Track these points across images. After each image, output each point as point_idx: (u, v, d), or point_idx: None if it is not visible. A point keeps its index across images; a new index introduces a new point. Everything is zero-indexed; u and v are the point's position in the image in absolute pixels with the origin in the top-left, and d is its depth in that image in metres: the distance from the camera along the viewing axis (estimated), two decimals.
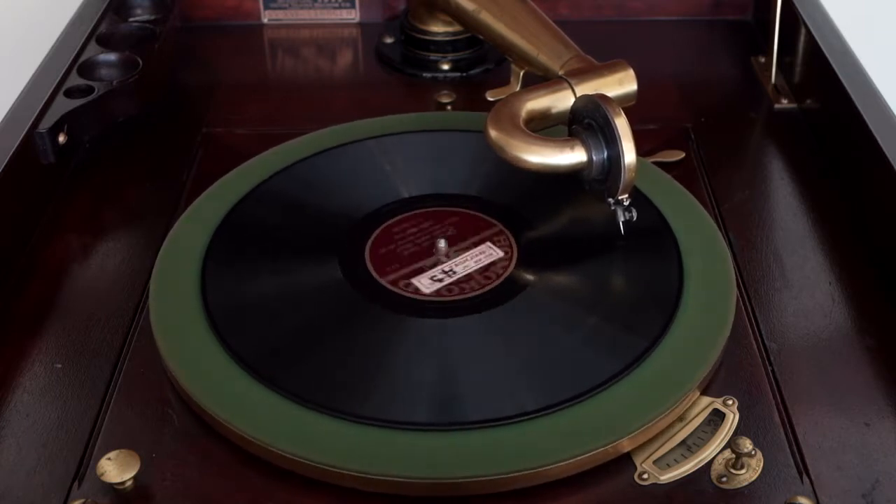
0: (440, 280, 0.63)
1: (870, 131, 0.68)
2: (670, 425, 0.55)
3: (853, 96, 0.72)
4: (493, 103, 0.66)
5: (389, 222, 0.67)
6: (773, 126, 0.81)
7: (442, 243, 0.65)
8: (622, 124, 0.61)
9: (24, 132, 0.69)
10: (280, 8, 0.95)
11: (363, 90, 0.86)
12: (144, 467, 0.52)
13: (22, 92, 0.75)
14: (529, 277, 0.63)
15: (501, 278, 0.63)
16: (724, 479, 0.53)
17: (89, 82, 0.76)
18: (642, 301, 0.61)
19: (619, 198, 0.63)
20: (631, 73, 0.68)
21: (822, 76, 0.77)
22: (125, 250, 0.69)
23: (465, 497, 0.52)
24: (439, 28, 0.87)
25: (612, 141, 0.61)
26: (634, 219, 0.63)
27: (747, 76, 0.87)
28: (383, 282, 0.63)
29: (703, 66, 0.90)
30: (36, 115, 0.71)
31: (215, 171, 0.72)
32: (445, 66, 0.87)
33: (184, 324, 0.60)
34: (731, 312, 0.60)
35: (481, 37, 0.79)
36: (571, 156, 0.63)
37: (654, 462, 0.54)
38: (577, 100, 0.66)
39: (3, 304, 0.64)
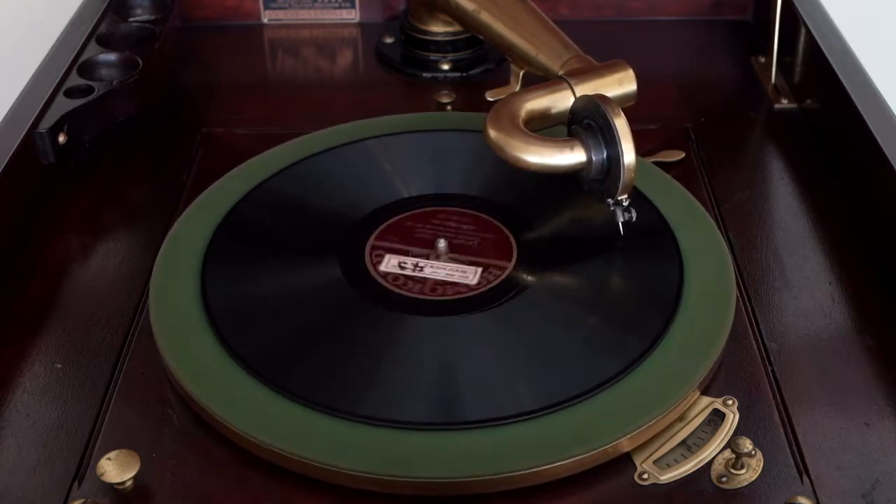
0: (402, 268, 0.63)
1: (870, 131, 0.68)
2: (670, 425, 0.55)
3: (853, 96, 0.72)
4: (492, 103, 0.66)
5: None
6: (773, 126, 0.81)
7: (442, 243, 0.65)
8: (622, 125, 0.61)
9: (24, 132, 0.69)
10: (280, 8, 0.95)
11: (363, 90, 0.86)
12: (144, 467, 0.52)
13: (22, 92, 0.75)
14: (530, 277, 0.63)
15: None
16: (724, 479, 0.53)
17: (89, 82, 0.76)
18: (642, 301, 0.61)
19: (619, 198, 0.63)
20: (630, 73, 0.68)
21: (822, 76, 0.77)
22: (125, 250, 0.69)
23: (464, 497, 0.52)
24: (439, 28, 0.87)
25: (611, 141, 0.61)
26: (634, 219, 0.63)
27: (747, 76, 0.87)
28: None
29: (703, 66, 0.90)
30: (36, 115, 0.71)
31: (215, 171, 0.72)
32: (445, 66, 0.87)
33: (184, 324, 0.60)
34: (731, 312, 0.60)
35: (481, 37, 0.79)
36: (571, 156, 0.63)
37: (654, 462, 0.54)
38: (577, 100, 0.66)
39: (3, 304, 0.64)
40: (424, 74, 0.87)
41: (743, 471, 0.53)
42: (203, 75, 0.89)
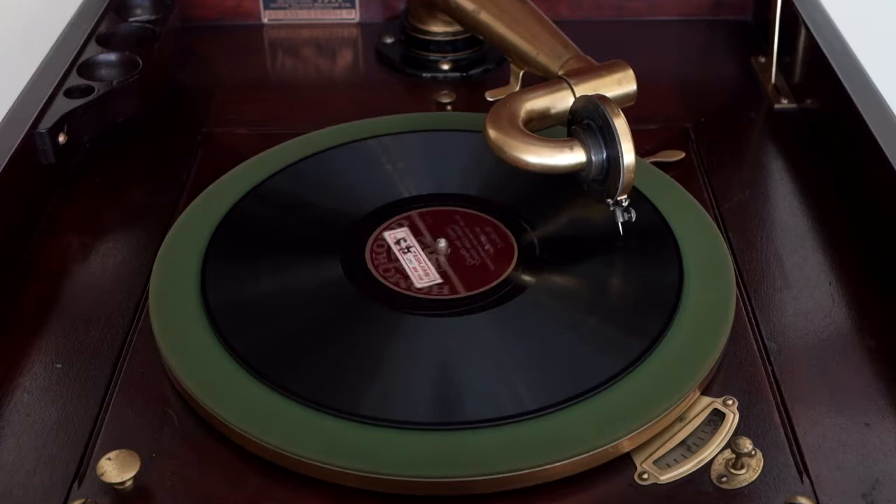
0: (405, 251, 0.63)
1: (870, 131, 0.68)
2: (670, 425, 0.55)
3: (853, 96, 0.72)
4: (492, 103, 0.67)
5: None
6: (773, 126, 0.81)
7: (442, 243, 0.65)
8: (621, 125, 0.61)
9: (24, 132, 0.69)
10: (280, 8, 0.95)
11: (363, 90, 0.86)
12: (144, 467, 0.52)
13: (22, 92, 0.75)
14: (530, 277, 0.63)
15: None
16: (724, 479, 0.53)
17: (89, 82, 0.76)
18: (642, 301, 0.61)
19: (618, 198, 0.63)
20: (630, 73, 0.68)
21: (822, 76, 0.77)
22: (125, 250, 0.69)
23: (464, 497, 0.52)
24: (439, 28, 0.87)
25: (611, 142, 0.61)
26: (633, 219, 0.63)
27: (747, 76, 0.87)
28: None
29: (703, 66, 0.90)
30: (36, 115, 0.71)
31: (215, 171, 0.72)
32: (445, 66, 0.87)
33: (184, 324, 0.60)
34: (731, 312, 0.60)
35: (481, 37, 0.79)
36: (570, 156, 0.63)
37: (654, 462, 0.54)
38: (577, 100, 0.66)
39: (3, 304, 0.64)
40: (424, 74, 0.87)
41: (743, 471, 0.53)
42: (203, 75, 0.89)
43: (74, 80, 0.76)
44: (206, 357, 0.58)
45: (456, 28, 0.85)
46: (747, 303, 0.64)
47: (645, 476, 0.53)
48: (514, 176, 0.66)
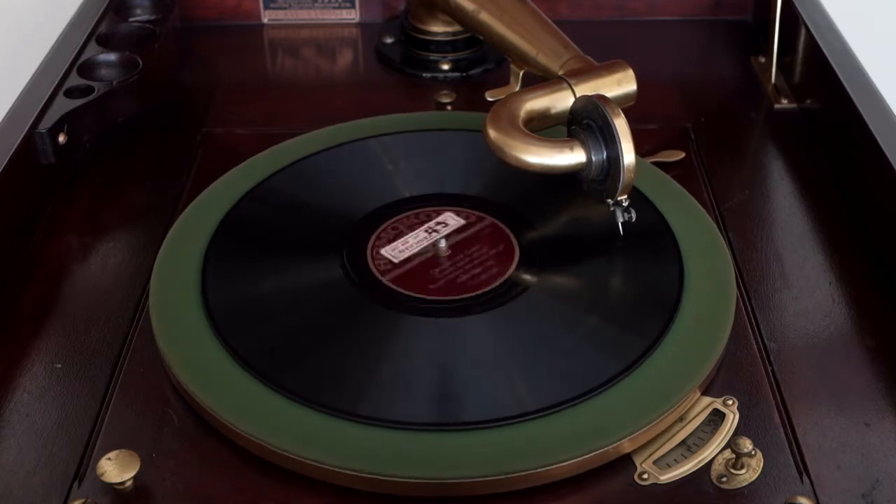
0: (437, 230, 0.63)
1: (870, 131, 0.68)
2: (670, 425, 0.55)
3: (853, 96, 0.72)
4: (492, 103, 0.66)
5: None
6: (773, 126, 0.81)
7: (442, 243, 0.65)
8: (621, 125, 0.61)
9: (24, 132, 0.69)
10: (280, 8, 0.95)
11: (363, 90, 0.86)
12: (144, 467, 0.52)
13: (22, 92, 0.75)
14: (530, 278, 0.63)
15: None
16: (724, 479, 0.53)
17: (89, 82, 0.76)
18: (642, 301, 0.61)
19: (618, 198, 0.63)
20: (630, 73, 0.68)
21: (822, 76, 0.77)
22: (125, 250, 0.69)
23: (465, 497, 0.52)
24: (439, 28, 0.87)
25: (611, 142, 0.61)
26: (633, 219, 0.63)
27: (747, 76, 0.87)
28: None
29: (703, 66, 0.90)
30: (36, 115, 0.71)
31: (215, 171, 0.72)
32: (445, 66, 0.87)
33: (184, 324, 0.60)
34: (731, 312, 0.60)
35: (481, 37, 0.79)
36: (570, 156, 0.63)
37: (654, 462, 0.54)
38: (577, 100, 0.66)
39: (3, 304, 0.64)
40: (424, 74, 0.87)
41: (743, 471, 0.53)
42: (203, 75, 0.89)
43: (74, 80, 0.76)
44: (206, 357, 0.58)
45: (456, 28, 0.85)
46: (747, 303, 0.64)
47: (645, 476, 0.53)
48: (514, 176, 0.66)
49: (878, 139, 0.67)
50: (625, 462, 0.54)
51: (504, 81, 0.77)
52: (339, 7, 0.95)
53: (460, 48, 0.87)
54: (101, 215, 0.72)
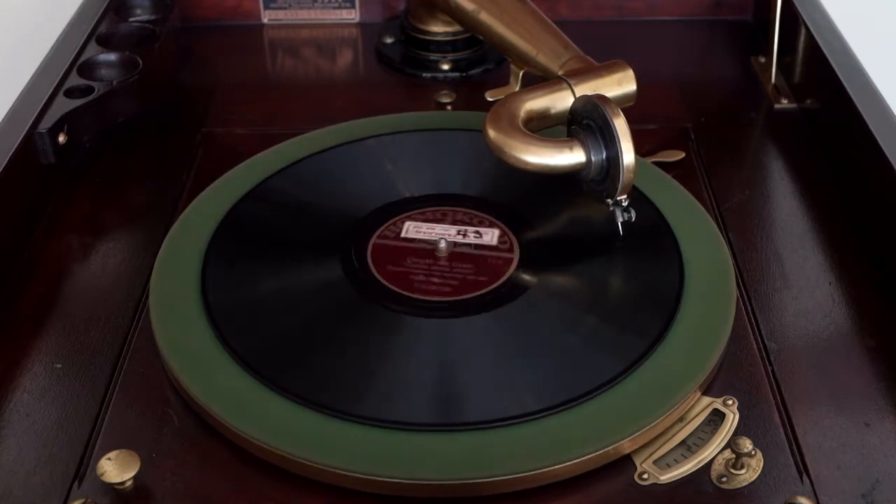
0: (475, 235, 0.64)
1: (870, 131, 0.68)
2: (670, 425, 0.55)
3: (853, 96, 0.72)
4: (492, 103, 0.66)
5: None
6: (773, 126, 0.81)
7: (443, 244, 0.65)
8: (621, 125, 0.61)
9: (24, 132, 0.69)
10: (280, 8, 0.95)
11: (363, 90, 0.86)
12: (144, 467, 0.52)
13: (22, 92, 0.75)
14: (530, 278, 0.63)
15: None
16: (724, 479, 0.53)
17: (89, 82, 0.76)
18: (643, 301, 0.61)
19: (618, 198, 0.63)
20: (630, 73, 0.68)
21: (822, 76, 0.77)
22: (125, 250, 0.69)
23: (465, 498, 0.52)
24: (439, 28, 0.87)
25: (610, 142, 0.61)
26: (633, 219, 0.63)
27: (747, 76, 0.87)
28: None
29: (703, 66, 0.90)
30: (36, 115, 0.71)
31: (215, 171, 0.72)
32: (445, 66, 0.87)
33: (184, 324, 0.60)
34: (731, 312, 0.60)
35: (481, 37, 0.79)
36: (570, 156, 0.63)
37: (654, 462, 0.54)
38: (576, 100, 0.66)
39: (3, 304, 0.64)
40: (424, 74, 0.87)
41: (743, 471, 0.53)
42: (203, 75, 0.89)
43: (74, 80, 0.76)
44: (206, 357, 0.58)
45: (456, 28, 0.85)
46: (747, 303, 0.64)
47: (645, 476, 0.53)
48: (514, 176, 0.66)
49: (878, 139, 0.67)
50: (625, 462, 0.54)
51: (504, 81, 0.77)
52: (339, 7, 0.95)
53: (460, 48, 0.87)
54: (101, 215, 0.72)
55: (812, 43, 0.80)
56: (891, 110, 0.71)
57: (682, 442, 0.55)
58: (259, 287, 0.63)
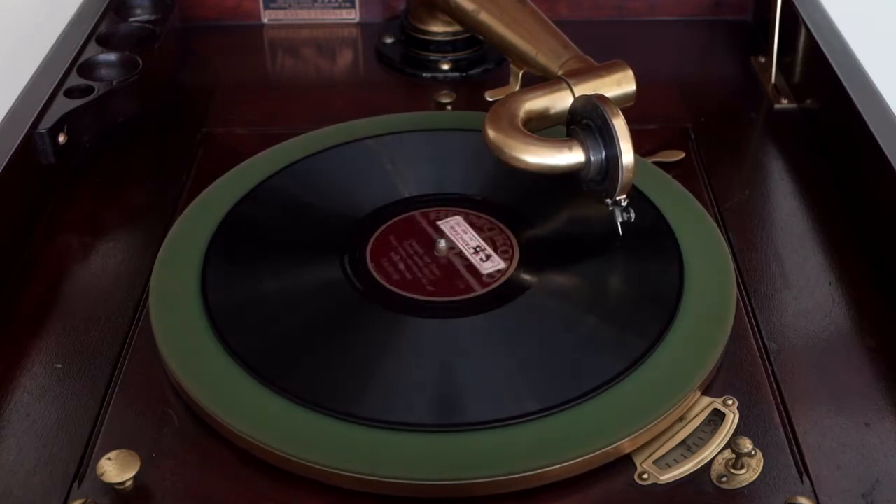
0: (489, 255, 0.63)
1: (870, 131, 0.68)
2: (670, 425, 0.55)
3: (853, 96, 0.72)
4: (492, 103, 0.67)
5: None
6: (773, 126, 0.81)
7: (442, 244, 0.65)
8: (620, 125, 0.61)
9: (24, 132, 0.69)
10: (280, 8, 0.95)
11: (363, 90, 0.86)
12: (144, 467, 0.52)
13: (22, 92, 0.75)
14: (530, 278, 0.63)
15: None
16: (724, 479, 0.53)
17: (89, 82, 0.76)
18: (643, 301, 0.61)
19: (617, 198, 0.63)
20: (629, 73, 0.68)
21: (822, 76, 0.77)
22: (125, 250, 0.69)
23: (465, 498, 0.52)
24: (439, 28, 0.87)
25: (610, 141, 0.61)
26: (632, 219, 0.63)
27: (747, 76, 0.87)
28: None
29: (703, 66, 0.90)
30: (36, 115, 0.71)
31: (215, 171, 0.72)
32: (445, 66, 0.87)
33: (184, 324, 0.60)
34: (732, 313, 0.60)
35: (481, 37, 0.79)
36: (569, 156, 0.63)
37: (654, 462, 0.54)
38: (576, 100, 0.66)
39: (3, 304, 0.64)
40: (424, 74, 0.87)
41: (743, 471, 0.53)
42: (203, 75, 0.89)
43: (74, 80, 0.76)
44: (206, 357, 0.58)
45: (456, 28, 0.85)
46: (747, 303, 0.64)
47: (645, 476, 0.53)
48: (514, 176, 0.66)
49: (878, 139, 0.67)
50: (625, 462, 0.54)
51: (504, 81, 0.77)
52: (339, 7, 0.95)
53: (460, 48, 0.87)
54: (101, 215, 0.72)
55: (812, 43, 0.80)
56: (891, 110, 0.71)
57: (682, 442, 0.55)
58: (259, 287, 0.63)
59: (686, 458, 0.54)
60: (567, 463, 0.52)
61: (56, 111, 0.72)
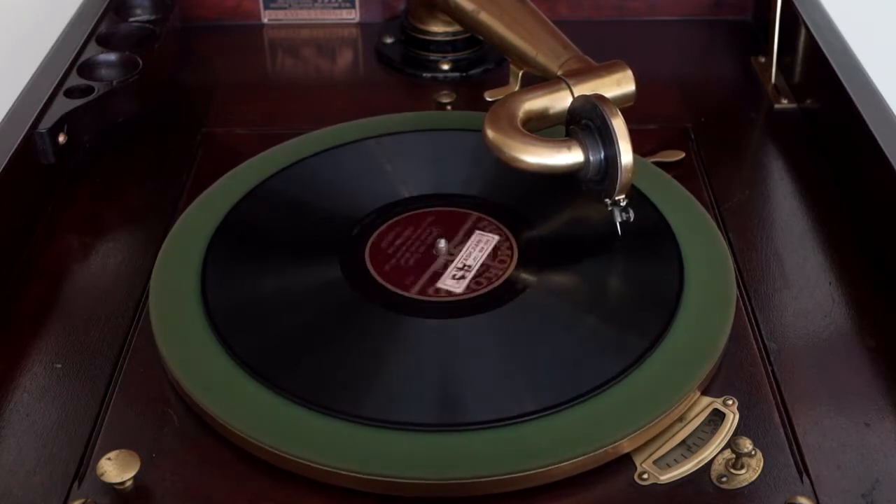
0: (463, 276, 0.62)
1: (870, 131, 0.68)
2: (670, 425, 0.55)
3: (853, 96, 0.72)
4: (492, 103, 0.67)
5: (390, 222, 0.67)
6: (773, 126, 0.81)
7: (442, 243, 0.65)
8: (619, 125, 0.61)
9: (24, 132, 0.69)
10: (280, 8, 0.95)
11: (363, 90, 0.86)
12: (144, 467, 0.52)
13: (22, 92, 0.75)
14: (530, 278, 0.63)
15: (502, 279, 0.63)
16: (724, 479, 0.53)
17: (89, 82, 0.76)
18: (643, 301, 0.61)
19: (617, 198, 0.63)
20: (629, 73, 0.68)
21: (822, 76, 0.77)
22: (125, 250, 0.69)
23: (465, 498, 0.52)
24: (439, 28, 0.87)
25: (609, 142, 0.61)
26: (631, 219, 0.63)
27: (747, 76, 0.87)
28: (383, 282, 0.63)
29: (703, 66, 0.90)
30: (36, 115, 0.71)
31: (215, 171, 0.72)
32: (445, 66, 0.87)
33: (184, 324, 0.60)
34: (731, 312, 0.60)
35: (481, 37, 0.79)
36: (568, 156, 0.63)
37: (654, 462, 0.54)
38: (575, 100, 0.66)
39: (3, 304, 0.64)
40: (424, 74, 0.87)
41: (743, 471, 0.53)
42: (203, 75, 0.89)
43: (74, 80, 0.76)
44: (205, 357, 0.58)
45: (456, 28, 0.85)
46: (747, 303, 0.64)
47: (645, 476, 0.53)
48: (513, 176, 0.66)
49: (878, 139, 0.67)
50: (625, 462, 0.54)
51: (504, 81, 0.77)
52: (339, 7, 0.95)
53: (460, 48, 0.87)
54: (101, 215, 0.72)
55: (812, 43, 0.80)
56: (891, 110, 0.71)
57: (682, 442, 0.55)
58: (259, 287, 0.63)
59: (686, 458, 0.54)
60: (567, 463, 0.52)
61: (56, 111, 0.72)
